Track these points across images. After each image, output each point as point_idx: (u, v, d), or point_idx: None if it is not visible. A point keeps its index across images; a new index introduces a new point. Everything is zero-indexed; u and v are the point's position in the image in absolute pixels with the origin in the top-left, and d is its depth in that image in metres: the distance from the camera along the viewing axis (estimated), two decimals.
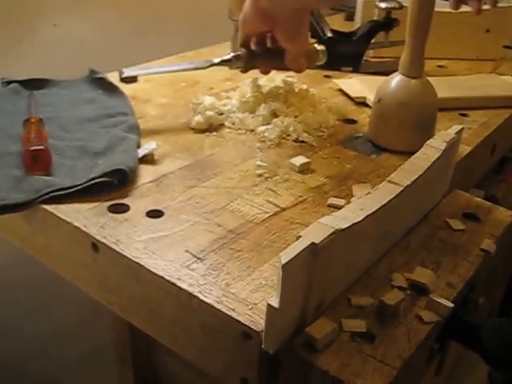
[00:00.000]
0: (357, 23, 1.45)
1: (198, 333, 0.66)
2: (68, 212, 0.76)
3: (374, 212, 0.66)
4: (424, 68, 0.93)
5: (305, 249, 0.58)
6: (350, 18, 1.59)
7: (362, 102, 1.14)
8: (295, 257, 0.56)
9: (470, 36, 1.40)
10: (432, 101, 0.95)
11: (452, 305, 0.67)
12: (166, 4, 1.44)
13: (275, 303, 0.56)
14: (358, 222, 0.64)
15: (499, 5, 1.30)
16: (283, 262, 0.55)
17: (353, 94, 1.16)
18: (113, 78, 1.14)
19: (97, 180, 0.79)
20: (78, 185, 0.79)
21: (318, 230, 0.61)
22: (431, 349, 0.70)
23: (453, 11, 1.37)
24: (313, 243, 0.59)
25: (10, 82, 1.06)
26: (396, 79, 0.94)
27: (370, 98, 1.11)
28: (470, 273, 0.74)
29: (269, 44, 0.99)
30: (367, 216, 0.65)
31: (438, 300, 0.67)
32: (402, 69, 0.94)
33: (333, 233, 0.61)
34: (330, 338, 0.62)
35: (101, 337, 1.48)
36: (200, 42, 1.40)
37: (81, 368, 1.57)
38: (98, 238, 0.72)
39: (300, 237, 0.60)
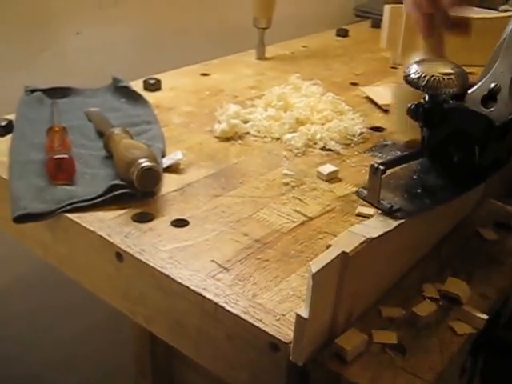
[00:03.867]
0: (384, 31, 1.43)
1: (224, 344, 0.64)
2: (92, 221, 0.75)
3: (406, 221, 0.65)
4: None
5: (335, 258, 0.56)
6: (377, 25, 1.57)
7: (388, 110, 1.12)
8: (326, 266, 0.55)
9: (496, 43, 1.37)
10: None
11: (486, 316, 0.65)
12: (191, 12, 1.44)
13: (304, 313, 0.55)
14: (389, 231, 0.62)
15: None
16: (313, 270, 0.54)
17: (380, 102, 1.14)
18: (136, 86, 1.13)
19: (119, 191, 0.79)
20: (100, 196, 0.78)
21: (348, 239, 0.59)
22: (464, 363, 0.68)
23: (480, 17, 1.36)
24: (343, 252, 0.57)
25: (33, 91, 1.06)
26: None
27: None
28: (504, 283, 0.72)
29: None
30: (399, 225, 0.64)
31: (471, 311, 0.66)
32: None
33: (364, 241, 0.59)
34: (359, 350, 0.60)
35: (120, 350, 1.47)
36: (225, 51, 1.39)
37: (100, 381, 1.56)
38: (122, 247, 0.71)
39: (330, 246, 0.58)
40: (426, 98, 0.71)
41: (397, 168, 0.71)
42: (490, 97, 0.71)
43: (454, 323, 0.65)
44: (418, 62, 0.70)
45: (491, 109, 0.70)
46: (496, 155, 0.72)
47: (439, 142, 0.72)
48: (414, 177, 0.72)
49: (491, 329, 0.68)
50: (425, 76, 0.68)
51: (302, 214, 0.79)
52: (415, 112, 0.71)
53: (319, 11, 1.75)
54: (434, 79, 0.68)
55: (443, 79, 0.68)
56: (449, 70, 0.69)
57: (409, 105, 0.71)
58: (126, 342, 1.41)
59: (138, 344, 1.34)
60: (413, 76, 0.69)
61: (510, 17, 0.78)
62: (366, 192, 0.67)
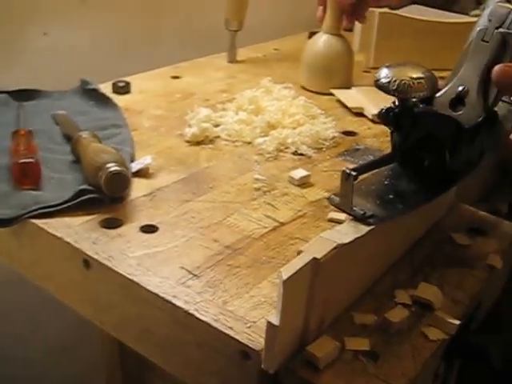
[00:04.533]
0: (356, 34, 1.43)
1: (194, 352, 0.63)
2: (58, 227, 0.73)
3: (377, 226, 0.64)
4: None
5: (306, 264, 0.56)
6: (350, 28, 1.57)
7: (360, 113, 1.12)
8: (296, 272, 0.54)
9: None
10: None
11: (458, 322, 0.65)
12: (162, 14, 1.42)
13: (275, 320, 0.54)
14: (360, 237, 0.62)
15: None
16: (284, 277, 0.53)
17: (350, 105, 1.13)
18: (105, 89, 1.11)
19: (87, 197, 0.77)
20: (67, 201, 0.77)
21: (319, 245, 0.59)
22: (437, 368, 0.68)
23: (451, 21, 1.37)
24: (314, 258, 0.57)
25: None
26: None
27: (368, 108, 1.10)
28: (476, 289, 0.72)
29: None
30: (370, 230, 0.63)
31: (443, 317, 0.66)
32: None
33: (335, 247, 0.59)
34: (332, 357, 0.60)
35: (89, 361, 1.44)
36: (196, 53, 1.37)
37: None
38: (89, 254, 0.69)
39: (301, 252, 0.58)
40: (396, 102, 0.70)
41: (368, 174, 0.71)
42: (458, 100, 0.70)
43: (426, 329, 0.65)
44: (388, 66, 0.70)
45: (460, 112, 0.70)
46: (466, 158, 0.71)
47: (410, 147, 0.72)
48: (386, 182, 0.72)
49: (464, 334, 0.68)
50: (395, 80, 0.68)
51: (274, 219, 0.78)
52: (386, 116, 0.70)
53: (292, 14, 1.74)
54: (405, 83, 0.67)
55: (413, 83, 0.68)
56: (419, 74, 0.68)
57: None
58: (95, 352, 1.38)
59: (107, 355, 1.33)
60: (383, 80, 0.68)
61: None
62: (337, 199, 0.66)
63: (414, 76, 0.68)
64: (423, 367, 0.61)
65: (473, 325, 0.73)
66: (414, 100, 0.70)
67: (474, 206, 0.89)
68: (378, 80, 0.69)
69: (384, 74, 0.69)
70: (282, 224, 0.78)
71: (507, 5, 0.69)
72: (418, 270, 0.74)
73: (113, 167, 0.76)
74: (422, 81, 0.68)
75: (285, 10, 1.74)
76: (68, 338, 1.43)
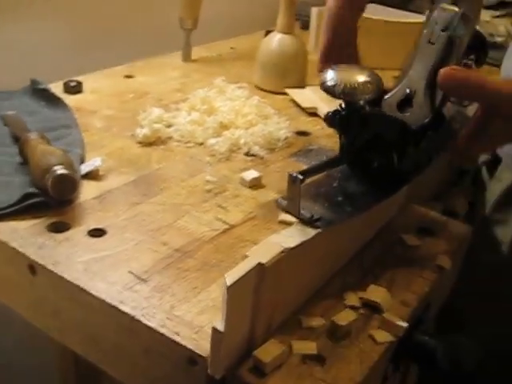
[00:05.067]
0: (312, 33, 1.44)
1: (141, 358, 0.63)
2: (3, 231, 0.72)
3: (326, 229, 0.64)
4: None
5: (251, 269, 0.55)
6: (306, 27, 1.57)
7: (314, 113, 1.12)
8: (241, 278, 0.54)
9: None
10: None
11: (406, 324, 0.65)
12: (115, 12, 1.40)
13: (220, 326, 0.54)
14: (307, 240, 0.61)
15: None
16: (228, 283, 0.52)
17: (304, 105, 1.13)
18: (56, 88, 1.10)
19: (32, 201, 0.76)
20: (13, 205, 0.75)
21: (265, 249, 0.58)
22: (385, 370, 0.68)
23: (407, 21, 1.37)
24: (260, 263, 0.56)
25: None
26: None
27: (322, 108, 1.10)
28: (424, 290, 0.72)
29: None
30: (317, 234, 0.63)
31: (391, 319, 0.65)
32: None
33: (281, 252, 0.58)
34: (279, 362, 0.59)
35: (44, 365, 1.42)
36: (150, 52, 1.36)
37: None
38: (35, 259, 0.68)
39: (247, 256, 0.57)
40: (343, 105, 0.70)
41: (317, 176, 0.71)
42: (406, 101, 0.71)
43: (374, 331, 0.65)
44: (333, 69, 0.69)
45: (407, 113, 0.70)
46: (414, 159, 0.71)
47: (358, 149, 0.72)
48: (335, 184, 0.72)
49: (412, 335, 0.68)
50: (341, 83, 0.67)
51: (224, 221, 0.78)
52: (332, 119, 0.70)
53: (248, 12, 1.74)
54: (350, 86, 0.67)
55: (359, 86, 0.67)
56: (364, 76, 0.68)
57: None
58: (50, 362, 1.36)
59: (61, 358, 1.31)
60: (328, 83, 0.68)
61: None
62: (285, 202, 0.66)
63: (360, 79, 0.68)
64: (371, 371, 0.61)
65: (421, 326, 0.73)
66: (362, 102, 0.70)
67: (429, 206, 0.90)
68: (323, 83, 0.69)
69: (330, 76, 0.69)
70: (233, 226, 0.77)
71: (452, 7, 0.69)
72: (367, 271, 0.74)
73: (59, 170, 0.75)
74: (368, 84, 0.68)
75: (242, 8, 1.74)
76: (21, 336, 1.41)
